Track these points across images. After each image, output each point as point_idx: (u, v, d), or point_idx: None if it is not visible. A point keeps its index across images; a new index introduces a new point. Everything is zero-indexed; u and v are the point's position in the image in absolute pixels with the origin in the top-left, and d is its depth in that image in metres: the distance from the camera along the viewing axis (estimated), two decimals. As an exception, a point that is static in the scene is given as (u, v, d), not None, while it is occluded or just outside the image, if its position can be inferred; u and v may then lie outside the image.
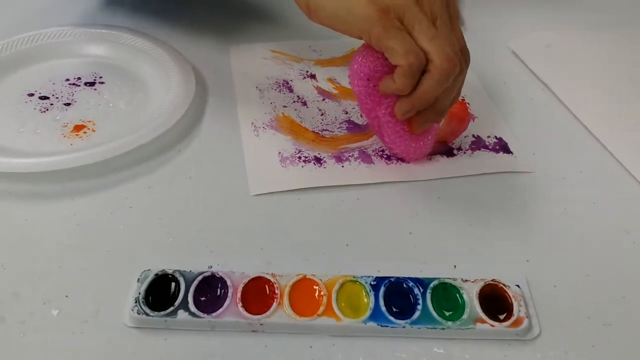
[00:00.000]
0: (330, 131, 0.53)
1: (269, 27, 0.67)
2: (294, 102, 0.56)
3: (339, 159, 0.50)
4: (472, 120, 0.54)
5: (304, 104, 0.56)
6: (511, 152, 0.50)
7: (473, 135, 0.52)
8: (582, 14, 0.70)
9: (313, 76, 0.59)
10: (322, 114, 0.54)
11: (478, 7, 0.71)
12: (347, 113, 0.55)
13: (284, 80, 0.58)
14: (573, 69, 0.59)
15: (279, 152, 0.50)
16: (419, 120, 0.45)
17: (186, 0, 0.70)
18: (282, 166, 0.49)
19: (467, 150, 0.51)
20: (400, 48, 0.40)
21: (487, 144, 0.51)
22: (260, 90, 0.57)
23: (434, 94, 0.42)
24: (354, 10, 0.41)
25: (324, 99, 0.56)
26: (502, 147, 0.51)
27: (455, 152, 0.50)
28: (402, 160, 0.49)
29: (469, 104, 0.56)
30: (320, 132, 0.52)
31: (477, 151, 0.50)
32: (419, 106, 0.43)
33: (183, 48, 0.59)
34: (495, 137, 0.52)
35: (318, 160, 0.49)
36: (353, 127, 0.53)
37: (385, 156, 0.50)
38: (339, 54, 0.63)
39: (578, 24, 0.68)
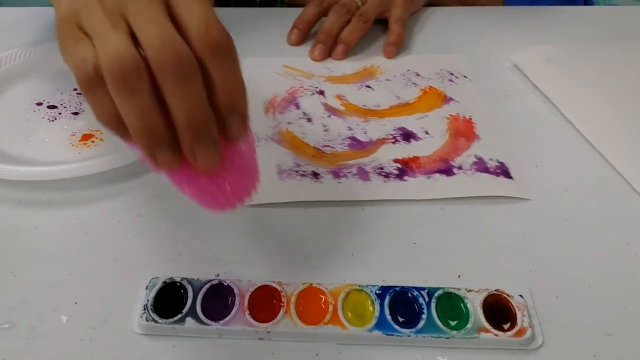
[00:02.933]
0: (332, 147, 0.53)
1: (284, 41, 0.68)
2: (299, 118, 0.56)
3: (336, 174, 0.50)
4: (476, 140, 0.54)
5: (309, 120, 0.56)
6: (512, 178, 0.50)
7: (475, 156, 0.52)
8: (584, 28, 0.71)
9: (322, 92, 0.60)
10: (325, 130, 0.55)
11: (480, 20, 0.72)
12: (350, 129, 0.55)
13: (292, 97, 0.59)
14: (574, 81, 0.60)
15: (278, 165, 0.50)
16: (186, 150, 0.32)
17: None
18: (280, 179, 0.49)
19: (468, 170, 0.50)
20: (70, 60, 0.31)
21: (489, 166, 0.51)
22: (267, 104, 0.58)
23: (132, 110, 0.30)
24: (57, 10, 0.34)
25: (329, 115, 0.57)
26: (504, 171, 0.50)
27: (455, 170, 0.50)
28: (399, 177, 0.49)
29: (475, 123, 0.56)
30: (321, 148, 0.53)
31: (478, 173, 0.50)
32: (136, 132, 0.30)
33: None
34: (498, 161, 0.51)
35: (315, 175, 0.50)
36: (355, 144, 0.53)
37: (383, 174, 0.50)
38: (350, 71, 0.63)
39: (579, 37, 0.69)
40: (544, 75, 0.61)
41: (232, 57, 0.31)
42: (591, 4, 0.81)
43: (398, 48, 0.66)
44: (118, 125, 0.31)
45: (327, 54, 0.65)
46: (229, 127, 0.32)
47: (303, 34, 0.67)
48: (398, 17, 0.67)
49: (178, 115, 0.30)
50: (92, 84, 0.30)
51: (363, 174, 0.50)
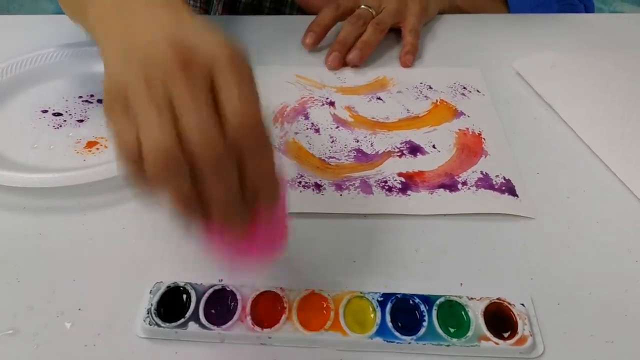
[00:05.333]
0: (337, 159, 0.53)
1: (297, 50, 0.69)
2: (307, 129, 0.56)
3: (339, 187, 0.50)
4: (484, 156, 0.53)
5: (317, 131, 0.56)
6: (517, 195, 0.49)
7: (481, 172, 0.51)
8: (586, 35, 0.71)
9: (332, 103, 0.60)
10: (332, 141, 0.55)
11: (483, 28, 0.72)
12: (357, 142, 0.55)
13: (301, 108, 0.59)
14: (576, 89, 0.60)
15: None
16: (217, 223, 0.34)
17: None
18: None
19: (472, 186, 0.50)
20: (114, 134, 0.33)
21: (494, 183, 0.50)
22: (276, 113, 0.58)
23: (170, 190, 0.32)
24: (105, 75, 0.35)
25: (337, 127, 0.57)
26: (509, 189, 0.49)
27: (459, 186, 0.50)
28: (402, 192, 0.49)
29: (484, 139, 0.55)
30: (326, 160, 0.53)
31: (482, 189, 0.49)
32: (181, 207, 0.32)
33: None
34: (504, 178, 0.50)
35: (318, 186, 0.50)
36: (361, 157, 0.53)
37: (386, 187, 0.50)
38: (362, 82, 0.63)
39: (582, 44, 0.69)
40: (546, 82, 0.61)
41: (263, 148, 0.33)
42: (592, 11, 0.81)
43: (414, 57, 0.67)
44: (138, 188, 0.34)
45: (343, 62, 0.66)
46: (259, 203, 0.34)
47: (319, 37, 0.68)
48: (412, 27, 0.68)
49: (211, 197, 0.33)
50: (135, 163, 0.32)
51: (366, 187, 0.50)
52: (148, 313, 0.39)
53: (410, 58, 0.66)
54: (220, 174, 0.32)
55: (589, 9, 0.81)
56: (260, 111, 0.33)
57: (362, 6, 0.68)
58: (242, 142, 0.32)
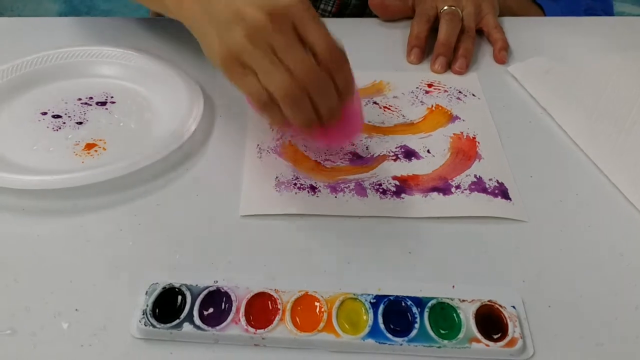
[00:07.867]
0: (333, 162, 0.53)
1: None
2: None
3: (333, 189, 0.50)
4: (478, 160, 0.54)
5: None
6: (510, 199, 0.49)
7: (475, 176, 0.52)
8: (583, 39, 0.71)
9: None
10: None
11: (480, 32, 0.72)
12: (353, 145, 0.55)
13: None
14: (571, 93, 0.61)
15: (276, 177, 0.51)
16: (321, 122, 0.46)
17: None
18: (277, 190, 0.50)
19: (465, 190, 0.50)
20: (245, 91, 0.44)
21: (487, 187, 0.50)
22: None
23: (299, 117, 0.44)
24: (212, 50, 0.45)
25: None
26: (502, 192, 0.50)
27: (453, 190, 0.50)
28: (396, 195, 0.50)
29: (479, 142, 0.56)
30: (322, 162, 0.53)
31: (475, 193, 0.50)
32: (305, 127, 0.45)
33: (192, 70, 0.61)
34: (497, 182, 0.51)
35: (313, 188, 0.50)
36: (356, 160, 0.53)
37: (380, 190, 0.50)
38: (359, 86, 0.63)
39: (578, 48, 0.69)
40: (541, 87, 0.62)
41: (345, 65, 0.45)
42: (611, 14, 0.82)
43: (507, 51, 0.68)
44: (284, 124, 0.45)
45: (449, 65, 0.66)
46: (345, 102, 0.46)
47: (423, 52, 0.68)
48: (495, 25, 0.70)
49: (321, 110, 0.44)
50: (270, 104, 0.43)
51: (360, 190, 0.50)
52: (143, 314, 0.39)
53: (505, 54, 0.67)
54: (323, 93, 0.44)
55: (608, 12, 0.82)
56: (334, 39, 0.43)
57: (445, 7, 0.68)
58: (331, 66, 0.43)
